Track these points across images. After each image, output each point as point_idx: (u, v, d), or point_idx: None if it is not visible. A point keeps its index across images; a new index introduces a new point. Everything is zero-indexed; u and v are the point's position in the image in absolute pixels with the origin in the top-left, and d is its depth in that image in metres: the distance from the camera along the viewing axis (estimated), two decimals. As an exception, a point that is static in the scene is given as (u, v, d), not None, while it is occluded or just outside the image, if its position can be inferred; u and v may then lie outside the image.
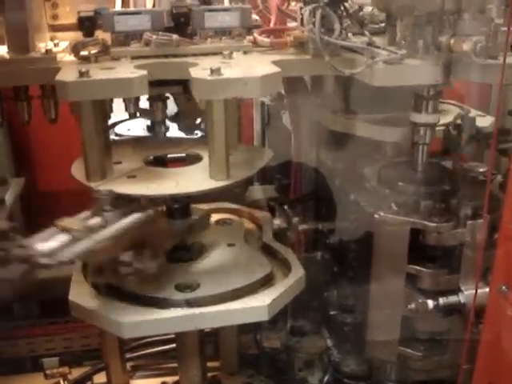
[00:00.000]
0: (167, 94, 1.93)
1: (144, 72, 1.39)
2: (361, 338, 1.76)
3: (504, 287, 1.24)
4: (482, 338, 1.33)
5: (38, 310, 2.53)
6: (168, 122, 2.09)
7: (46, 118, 1.71)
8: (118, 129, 2.56)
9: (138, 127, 2.54)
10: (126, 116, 2.27)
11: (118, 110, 1.95)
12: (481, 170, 1.82)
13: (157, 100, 1.79)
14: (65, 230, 1.25)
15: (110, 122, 2.43)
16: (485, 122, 2.08)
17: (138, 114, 2.10)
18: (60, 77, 1.38)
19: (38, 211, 2.73)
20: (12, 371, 2.22)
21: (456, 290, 1.57)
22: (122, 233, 1.32)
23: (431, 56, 1.48)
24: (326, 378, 1.92)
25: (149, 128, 2.40)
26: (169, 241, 1.61)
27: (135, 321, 1.39)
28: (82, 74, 1.34)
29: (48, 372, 2.13)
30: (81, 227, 1.27)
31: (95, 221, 1.31)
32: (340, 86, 1.85)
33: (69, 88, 1.34)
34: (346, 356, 1.93)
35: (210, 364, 1.92)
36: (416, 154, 1.66)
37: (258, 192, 2.35)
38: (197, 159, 1.64)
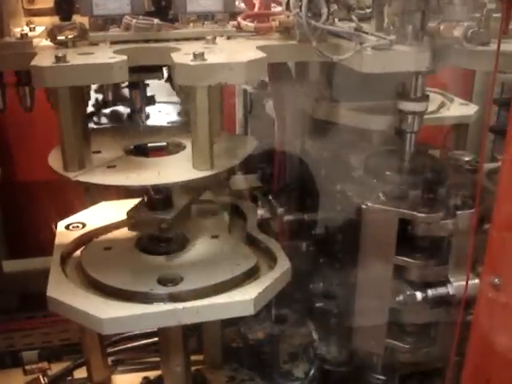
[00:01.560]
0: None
1: (124, 57, 1.33)
2: (347, 329, 1.73)
3: (496, 280, 1.21)
4: (472, 332, 1.31)
5: (17, 304, 2.47)
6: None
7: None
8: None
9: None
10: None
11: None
12: (466, 159, 1.80)
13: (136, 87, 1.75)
14: None
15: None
16: (469, 110, 2.06)
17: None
18: (35, 62, 1.32)
19: (16, 201, 2.68)
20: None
21: (445, 281, 1.55)
22: None
23: (421, 42, 1.44)
24: (311, 372, 1.89)
25: (129, 117, 2.34)
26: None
27: (116, 316, 1.33)
28: (58, 59, 1.28)
29: (27, 368, 2.08)
30: None
31: None
32: (325, 73, 1.81)
33: (45, 74, 1.28)
34: (331, 347, 1.90)
35: (193, 357, 1.89)
36: (404, 142, 1.63)
37: (240, 182, 2.30)
38: (179, 148, 1.58)
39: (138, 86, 1.76)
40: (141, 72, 1.66)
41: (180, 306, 1.37)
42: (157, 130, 1.79)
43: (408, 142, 1.62)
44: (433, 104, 1.98)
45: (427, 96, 1.59)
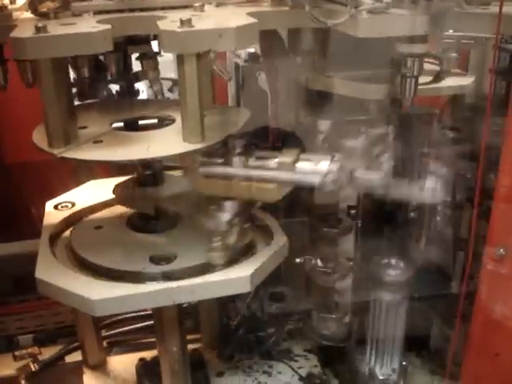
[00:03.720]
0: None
1: (108, 26, 1.26)
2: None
3: (502, 250, 1.17)
4: (476, 303, 1.27)
5: (9, 288, 2.43)
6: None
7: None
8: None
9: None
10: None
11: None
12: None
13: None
14: None
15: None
16: (465, 80, 2.01)
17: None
18: (15, 34, 1.25)
19: (5, 184, 2.63)
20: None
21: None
22: None
23: (418, 5, 1.38)
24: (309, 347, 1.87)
25: (118, 93, 2.28)
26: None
27: (107, 297, 1.29)
28: (39, 30, 1.22)
29: (17, 353, 2.04)
30: None
31: None
32: (319, 42, 1.75)
33: (25, 45, 1.21)
34: (328, 320, 1.87)
35: (191, 336, 1.85)
36: (403, 87, 1.57)
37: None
38: (169, 121, 1.53)
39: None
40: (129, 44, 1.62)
41: (174, 284, 1.33)
42: (145, 104, 1.73)
43: (408, 87, 1.55)
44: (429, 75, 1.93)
45: (426, 37, 1.53)
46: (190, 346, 1.83)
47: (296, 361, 1.93)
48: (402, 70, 1.52)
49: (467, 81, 2.00)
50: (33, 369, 1.93)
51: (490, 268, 1.22)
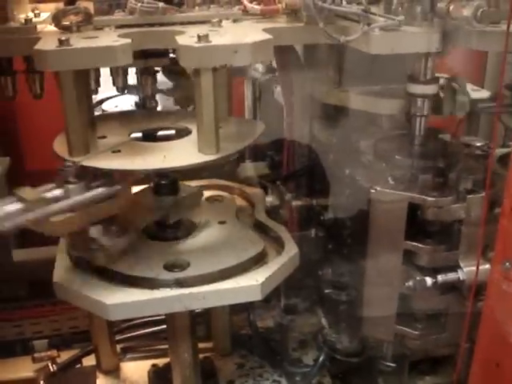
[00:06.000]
0: (157, 68, 1.88)
1: (128, 40, 1.32)
2: (357, 315, 1.72)
3: (508, 264, 1.19)
4: (483, 317, 1.29)
5: (26, 292, 2.48)
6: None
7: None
8: (105, 105, 2.49)
9: (125, 104, 2.47)
10: (114, 92, 2.22)
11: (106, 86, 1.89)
12: (478, 144, 1.78)
13: (146, 74, 1.74)
14: (20, 199, 1.20)
15: (98, 98, 2.40)
16: (481, 96, 2.03)
17: (125, 91, 2.05)
18: (39, 46, 1.31)
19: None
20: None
21: (455, 267, 1.53)
22: (82, 205, 1.28)
23: (430, 23, 1.42)
24: (321, 359, 1.87)
25: (137, 104, 2.33)
26: (144, 217, 1.57)
27: (122, 302, 1.32)
28: (62, 43, 1.27)
29: (36, 356, 2.07)
30: (36, 198, 1.22)
31: (54, 193, 1.27)
32: (334, 57, 1.78)
33: (48, 57, 1.27)
34: (341, 334, 1.89)
35: (202, 345, 1.88)
36: (414, 126, 1.61)
37: (249, 169, 2.29)
38: (186, 132, 1.57)
39: (149, 71, 1.75)
40: (148, 58, 1.66)
41: (186, 291, 1.36)
42: (164, 115, 1.77)
43: (418, 125, 1.60)
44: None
45: (437, 78, 1.57)
46: (201, 354, 1.85)
47: (306, 371, 1.95)
48: (412, 110, 1.56)
49: (483, 96, 2.02)
50: (51, 370, 1.95)
51: (497, 282, 1.24)
